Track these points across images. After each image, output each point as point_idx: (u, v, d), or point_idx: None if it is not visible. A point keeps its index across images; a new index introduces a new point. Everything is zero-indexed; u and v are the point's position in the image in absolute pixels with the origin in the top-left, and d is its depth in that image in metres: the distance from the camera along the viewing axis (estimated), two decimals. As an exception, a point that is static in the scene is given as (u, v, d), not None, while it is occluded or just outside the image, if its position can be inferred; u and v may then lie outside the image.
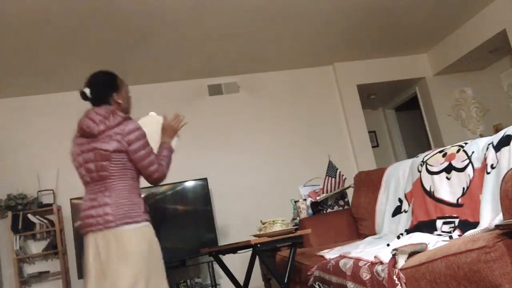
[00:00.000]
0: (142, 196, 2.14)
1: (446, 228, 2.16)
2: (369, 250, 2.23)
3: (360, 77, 5.52)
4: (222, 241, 4.67)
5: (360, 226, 3.25)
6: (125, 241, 1.95)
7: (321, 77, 5.54)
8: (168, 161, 2.22)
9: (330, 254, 2.56)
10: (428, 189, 2.39)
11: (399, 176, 2.82)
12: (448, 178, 2.24)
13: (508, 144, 1.90)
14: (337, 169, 3.87)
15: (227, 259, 4.31)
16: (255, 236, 2.64)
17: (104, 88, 2.24)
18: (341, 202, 3.77)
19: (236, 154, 5.08)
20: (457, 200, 2.17)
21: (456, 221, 2.12)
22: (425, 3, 4.33)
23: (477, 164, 2.10)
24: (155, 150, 2.25)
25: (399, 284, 1.67)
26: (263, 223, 2.71)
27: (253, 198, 4.94)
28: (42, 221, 4.34)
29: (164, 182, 4.22)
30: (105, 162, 2.03)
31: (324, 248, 2.91)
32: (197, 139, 4.93)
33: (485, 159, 2.04)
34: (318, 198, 3.80)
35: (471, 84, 5.74)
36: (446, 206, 2.22)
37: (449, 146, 2.39)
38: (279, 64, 5.25)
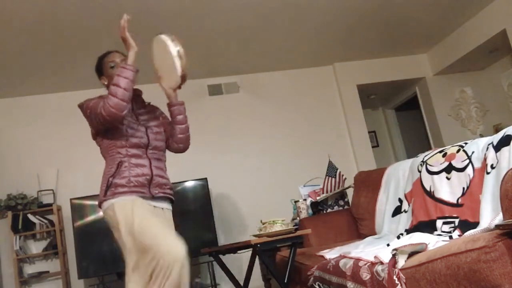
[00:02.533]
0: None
1: (446, 228, 2.16)
2: (369, 250, 2.23)
3: (360, 77, 5.52)
4: (222, 241, 4.67)
5: (360, 226, 3.25)
6: None
7: (321, 77, 5.53)
8: (115, 91, 1.96)
9: (330, 254, 2.56)
10: (428, 189, 2.38)
11: (399, 176, 2.82)
12: (448, 178, 2.24)
13: (508, 144, 1.90)
14: (337, 169, 3.87)
15: (227, 259, 4.30)
16: (255, 236, 2.64)
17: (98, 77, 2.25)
18: (341, 202, 3.77)
19: (236, 154, 5.07)
20: (457, 200, 2.17)
21: (456, 221, 2.12)
22: (425, 3, 4.33)
23: (477, 164, 2.10)
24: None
25: (399, 284, 1.67)
26: (263, 223, 2.71)
27: (253, 198, 4.93)
28: (42, 221, 4.34)
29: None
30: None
31: (324, 248, 2.91)
32: (197, 139, 4.90)
33: (485, 159, 2.04)
34: (318, 198, 3.80)
35: (471, 84, 5.74)
36: (446, 206, 2.22)
37: (449, 146, 2.39)
38: (279, 64, 5.25)
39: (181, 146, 2.34)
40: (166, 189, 2.18)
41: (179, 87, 2.19)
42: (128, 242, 1.97)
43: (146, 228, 1.93)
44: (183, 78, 2.13)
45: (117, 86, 1.97)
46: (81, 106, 2.14)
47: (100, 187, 2.11)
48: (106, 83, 2.18)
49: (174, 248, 1.89)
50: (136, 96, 2.21)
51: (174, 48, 2.08)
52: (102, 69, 2.20)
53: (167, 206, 2.22)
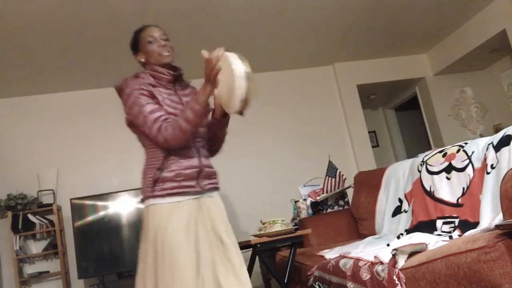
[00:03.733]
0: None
1: (446, 228, 2.16)
2: (369, 250, 2.23)
3: (360, 77, 5.51)
4: (222, 241, 4.66)
5: (360, 226, 3.25)
6: None
7: (321, 77, 5.53)
8: (180, 123, 1.72)
9: (330, 254, 2.56)
10: (428, 189, 2.38)
11: (399, 176, 2.82)
12: (448, 178, 2.24)
13: (508, 144, 1.90)
14: (337, 169, 3.87)
15: (227, 259, 4.30)
16: (255, 236, 2.64)
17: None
18: (341, 202, 3.77)
19: (236, 154, 5.07)
20: (457, 200, 2.17)
21: (456, 221, 2.12)
22: (425, 3, 4.32)
23: (477, 164, 2.10)
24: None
25: (399, 284, 1.67)
26: (263, 223, 2.71)
27: (253, 198, 4.93)
28: (42, 221, 4.34)
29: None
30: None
31: (324, 248, 2.91)
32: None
33: (485, 159, 2.04)
34: (318, 198, 3.80)
35: (471, 84, 5.73)
36: (446, 206, 2.22)
37: (449, 146, 2.39)
38: (279, 64, 5.24)
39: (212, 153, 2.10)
40: (213, 179, 1.95)
41: (240, 113, 1.79)
42: (148, 258, 1.79)
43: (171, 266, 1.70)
44: (244, 104, 1.74)
45: (184, 122, 1.73)
46: (119, 90, 1.92)
47: (143, 180, 1.88)
48: (143, 60, 1.96)
49: None
50: (178, 75, 1.96)
51: (241, 67, 1.67)
52: (138, 44, 1.95)
53: (215, 196, 1.97)
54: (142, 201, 1.89)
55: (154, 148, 1.87)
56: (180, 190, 1.80)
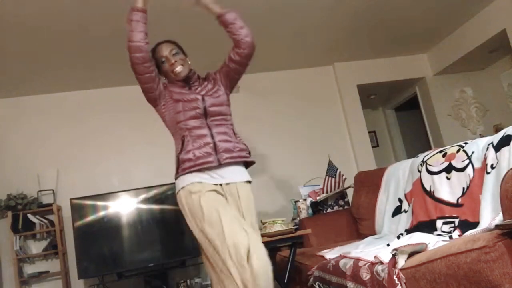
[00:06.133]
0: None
1: (446, 228, 2.16)
2: (369, 250, 2.23)
3: (360, 77, 5.51)
4: (222, 241, 4.66)
5: (360, 226, 3.25)
6: None
7: (321, 77, 5.53)
8: (128, 30, 2.03)
9: (330, 254, 2.56)
10: (428, 189, 2.39)
11: (399, 176, 2.82)
12: (448, 178, 2.24)
13: (508, 144, 1.90)
14: (337, 169, 3.87)
15: (227, 259, 4.30)
16: (255, 236, 2.63)
17: None
18: (341, 202, 3.77)
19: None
20: (457, 200, 2.17)
21: (456, 221, 2.12)
22: (425, 3, 4.32)
23: (477, 164, 2.10)
24: None
25: (399, 284, 1.67)
26: (263, 223, 2.71)
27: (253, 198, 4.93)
28: (42, 221, 4.34)
29: (164, 182, 4.24)
30: None
31: (324, 248, 2.91)
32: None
33: (485, 159, 2.04)
34: (318, 198, 3.80)
35: (471, 84, 5.74)
36: (446, 206, 2.22)
37: (449, 146, 2.39)
38: (279, 64, 5.24)
39: (250, 47, 2.29)
40: (235, 152, 2.12)
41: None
42: (199, 236, 1.97)
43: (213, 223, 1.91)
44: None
45: (128, 36, 2.03)
46: None
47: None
48: (165, 80, 2.24)
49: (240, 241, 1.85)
50: (189, 77, 2.22)
51: None
52: (157, 64, 2.19)
53: (240, 177, 2.15)
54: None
55: (175, 134, 2.15)
56: (198, 168, 2.02)
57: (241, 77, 2.32)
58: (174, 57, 2.16)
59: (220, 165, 2.06)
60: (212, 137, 2.08)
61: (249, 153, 2.21)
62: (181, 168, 2.04)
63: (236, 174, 2.13)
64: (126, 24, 2.03)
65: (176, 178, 2.08)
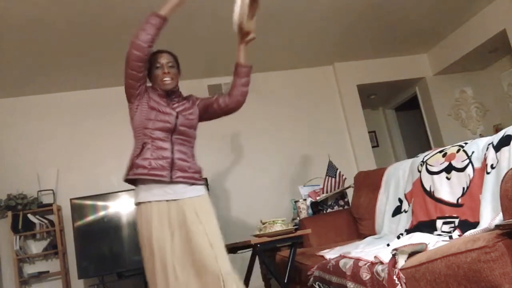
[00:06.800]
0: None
1: (446, 228, 2.16)
2: (369, 250, 2.23)
3: (360, 77, 5.51)
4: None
5: (360, 226, 3.25)
6: None
7: (321, 77, 5.53)
8: (142, 24, 2.09)
9: (330, 254, 2.56)
10: (428, 189, 2.39)
11: (399, 176, 2.82)
12: (448, 178, 2.24)
13: (508, 144, 1.90)
14: (337, 169, 3.87)
15: (227, 259, 4.30)
16: (255, 236, 2.64)
17: None
18: (341, 202, 3.77)
19: (236, 154, 5.07)
20: (457, 200, 2.17)
21: (456, 221, 2.12)
22: (426, 3, 4.33)
23: (477, 164, 2.10)
24: None
25: (399, 284, 1.67)
26: (263, 223, 2.71)
27: (253, 198, 4.93)
28: (42, 221, 4.34)
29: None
30: None
31: (324, 248, 2.91)
32: (197, 139, 4.93)
33: (485, 159, 2.04)
34: (318, 198, 3.80)
35: (471, 84, 5.74)
36: (446, 206, 2.22)
37: (449, 146, 2.39)
38: (279, 64, 5.24)
39: (236, 104, 2.46)
40: (189, 173, 2.18)
41: (245, 41, 2.40)
42: (144, 250, 2.12)
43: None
44: (240, 29, 2.28)
45: (136, 33, 2.08)
46: None
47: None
48: (150, 82, 2.29)
49: None
50: (172, 92, 2.28)
51: None
52: (150, 66, 2.25)
53: (191, 193, 2.18)
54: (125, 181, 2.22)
55: (137, 138, 2.19)
56: (149, 177, 2.09)
57: (212, 119, 2.48)
58: (169, 69, 2.24)
59: (171, 181, 2.11)
60: (172, 152, 2.15)
61: (201, 176, 2.25)
62: (133, 172, 2.10)
63: (187, 191, 2.16)
64: (142, 22, 2.09)
65: (125, 179, 2.16)
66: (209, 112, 2.41)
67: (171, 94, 2.27)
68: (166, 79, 2.22)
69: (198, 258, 1.99)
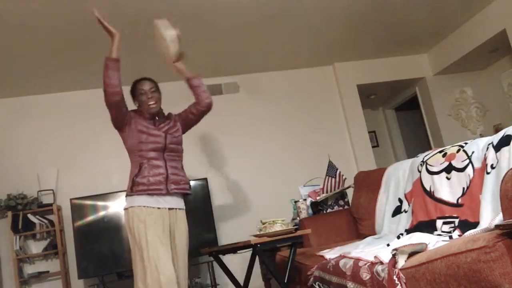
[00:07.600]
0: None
1: (446, 228, 2.16)
2: (369, 250, 2.23)
3: (360, 77, 5.51)
4: (222, 241, 4.67)
5: (360, 226, 3.25)
6: None
7: (321, 77, 5.53)
8: (105, 76, 2.38)
9: (330, 254, 2.56)
10: (428, 189, 2.39)
11: (399, 176, 2.82)
12: (448, 178, 2.24)
13: (508, 144, 1.90)
14: (337, 169, 3.87)
15: (227, 259, 4.30)
16: (255, 236, 2.64)
17: None
18: (341, 202, 3.77)
19: (236, 154, 5.07)
20: (457, 200, 2.17)
21: (456, 221, 2.12)
22: (426, 3, 4.33)
23: (477, 164, 2.10)
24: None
25: (399, 284, 1.67)
26: (263, 223, 2.71)
27: (253, 198, 4.93)
28: (42, 221, 4.34)
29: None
30: None
31: (324, 248, 2.91)
32: (197, 139, 4.93)
33: (485, 159, 2.04)
34: (318, 198, 3.80)
35: (471, 84, 5.73)
36: (446, 206, 2.22)
37: (449, 146, 2.39)
38: (279, 64, 5.24)
39: (207, 107, 2.75)
40: (181, 185, 2.56)
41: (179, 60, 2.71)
42: (135, 253, 2.38)
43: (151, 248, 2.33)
44: (179, 59, 2.69)
45: (104, 81, 2.39)
46: None
47: (127, 186, 2.50)
48: (137, 105, 2.63)
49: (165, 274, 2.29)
50: (158, 113, 2.62)
51: (167, 33, 2.56)
52: (135, 93, 2.62)
53: (180, 205, 2.60)
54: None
55: (134, 160, 2.51)
56: (149, 192, 2.42)
57: (195, 125, 2.80)
58: (152, 94, 2.58)
59: (167, 193, 2.48)
60: (166, 169, 2.50)
61: (190, 186, 2.64)
62: (135, 189, 2.42)
63: (178, 202, 2.58)
64: (103, 69, 2.37)
65: (127, 196, 2.47)
66: (189, 123, 2.75)
67: (156, 116, 2.59)
68: (151, 103, 2.55)
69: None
